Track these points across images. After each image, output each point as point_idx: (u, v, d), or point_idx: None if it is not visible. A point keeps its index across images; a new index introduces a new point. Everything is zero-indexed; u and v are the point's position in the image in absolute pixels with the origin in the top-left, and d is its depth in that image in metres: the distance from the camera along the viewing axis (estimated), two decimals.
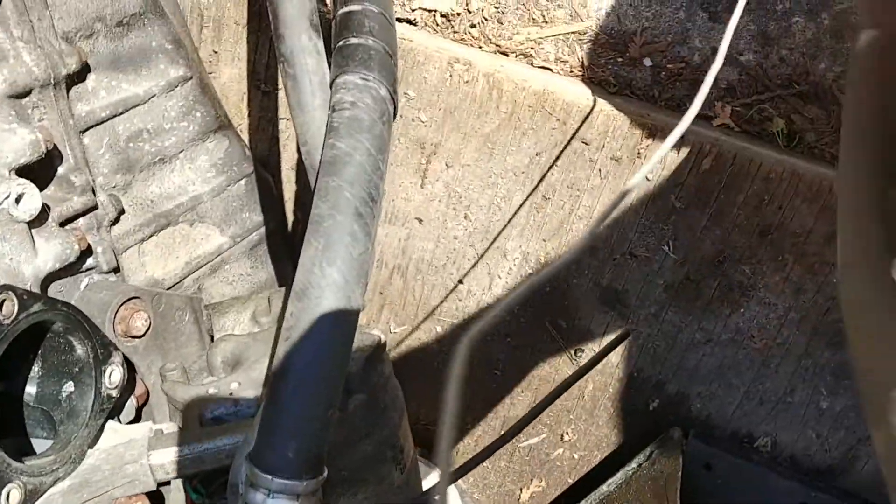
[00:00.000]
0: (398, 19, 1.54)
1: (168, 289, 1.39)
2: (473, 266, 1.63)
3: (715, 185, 1.43)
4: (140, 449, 1.03)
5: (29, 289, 1.01)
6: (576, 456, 1.77)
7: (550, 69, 1.51)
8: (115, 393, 1.06)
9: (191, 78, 1.37)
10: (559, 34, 1.49)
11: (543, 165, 1.49)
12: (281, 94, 1.59)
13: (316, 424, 0.80)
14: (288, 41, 0.98)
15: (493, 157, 1.51)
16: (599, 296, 1.59)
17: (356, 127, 0.89)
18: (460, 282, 1.66)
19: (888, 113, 0.81)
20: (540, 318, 1.65)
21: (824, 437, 1.58)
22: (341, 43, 1.00)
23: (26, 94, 1.12)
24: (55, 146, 1.17)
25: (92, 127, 1.24)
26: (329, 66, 1.00)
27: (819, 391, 1.55)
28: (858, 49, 0.94)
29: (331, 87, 0.98)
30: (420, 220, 1.61)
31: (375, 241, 0.90)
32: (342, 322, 0.80)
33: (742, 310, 1.52)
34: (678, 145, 1.42)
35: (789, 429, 1.60)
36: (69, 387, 1.05)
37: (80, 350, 1.03)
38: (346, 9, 1.02)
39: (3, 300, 0.91)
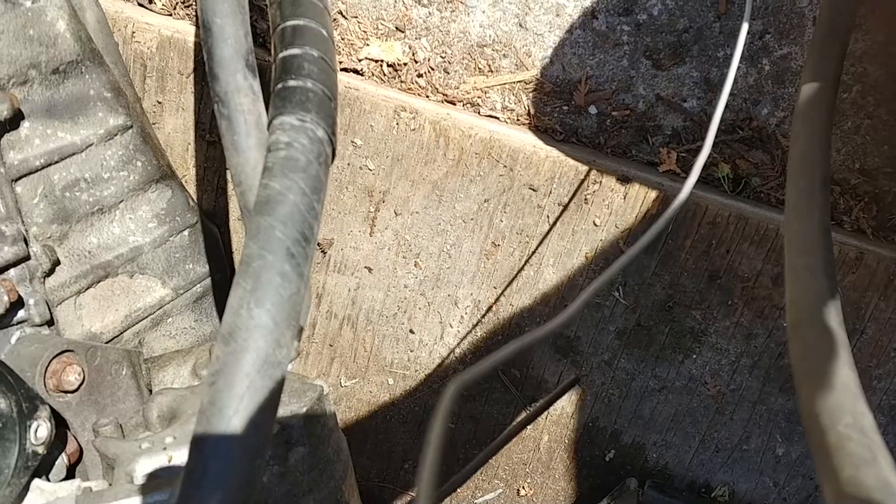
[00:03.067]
0: (345, 69, 1.54)
1: (107, 342, 1.35)
2: (425, 315, 1.61)
3: (662, 230, 1.42)
4: None
5: None
6: None
7: (497, 118, 1.51)
8: (41, 450, 1.01)
9: (131, 127, 1.34)
10: (505, 83, 1.49)
11: (492, 212, 1.48)
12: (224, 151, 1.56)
13: (241, 474, 0.76)
14: (223, 81, 0.96)
15: (442, 204, 1.50)
16: (552, 343, 1.57)
17: (291, 167, 0.87)
18: (412, 331, 1.63)
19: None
20: (492, 367, 1.62)
21: (781, 486, 1.56)
22: (279, 86, 0.99)
23: None
24: None
25: (25, 175, 1.21)
26: (267, 109, 0.99)
27: (774, 438, 1.54)
28: (802, 96, 0.95)
29: (268, 129, 0.96)
30: (369, 269, 1.59)
31: (309, 282, 0.87)
32: (271, 366, 0.77)
33: (694, 356, 1.51)
34: (624, 193, 1.41)
35: (746, 477, 1.58)
36: None
37: (3, 404, 0.98)
38: (285, 53, 1.00)
39: None
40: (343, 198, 1.54)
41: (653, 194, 1.41)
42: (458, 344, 1.62)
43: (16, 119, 1.19)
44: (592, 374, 1.58)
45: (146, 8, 1.56)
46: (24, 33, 1.19)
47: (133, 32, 1.50)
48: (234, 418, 0.74)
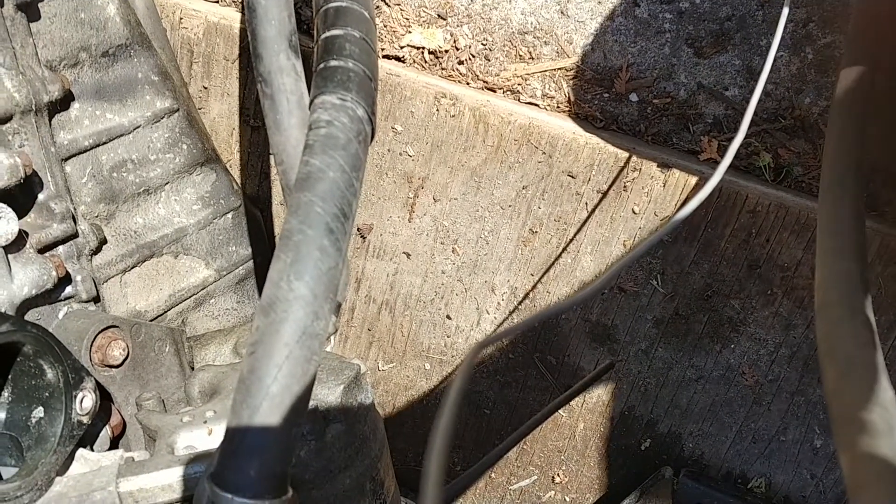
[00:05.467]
0: (387, 56, 1.55)
1: (151, 321, 1.38)
2: (462, 301, 1.62)
3: (701, 218, 1.42)
4: (109, 476, 1.00)
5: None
6: (567, 498, 1.73)
7: (537, 105, 1.51)
8: (85, 419, 1.04)
9: (177, 110, 1.37)
10: (546, 70, 1.50)
11: (530, 199, 1.49)
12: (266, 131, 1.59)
13: (279, 442, 0.77)
14: (266, 61, 0.98)
15: (480, 190, 1.51)
16: (589, 331, 1.57)
17: (331, 145, 0.89)
18: (448, 317, 1.64)
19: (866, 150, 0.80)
20: (529, 354, 1.63)
21: (819, 478, 1.55)
22: (321, 66, 1.00)
23: (6, 119, 1.12)
24: (35, 173, 1.16)
25: (74, 155, 1.24)
26: (309, 89, 1.00)
27: (812, 429, 1.52)
28: (840, 85, 0.94)
29: (309, 108, 0.97)
30: (408, 255, 1.60)
31: (347, 258, 0.89)
32: (309, 337, 0.79)
33: (732, 346, 1.50)
34: (664, 180, 1.41)
35: (783, 469, 1.56)
36: (39, 412, 1.03)
37: (50, 374, 1.01)
38: (327, 34, 1.02)
39: None
40: (383, 183, 1.55)
41: (693, 182, 1.40)
42: (495, 330, 1.63)
43: (66, 100, 1.22)
44: (629, 363, 1.58)
45: None
46: (76, 17, 1.22)
47: (181, 18, 1.53)
48: (272, 386, 0.76)
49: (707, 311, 1.49)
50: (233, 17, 1.54)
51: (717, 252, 1.44)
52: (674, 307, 1.50)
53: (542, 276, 1.55)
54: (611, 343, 1.57)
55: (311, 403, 1.12)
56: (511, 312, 1.60)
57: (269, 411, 0.76)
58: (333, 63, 0.97)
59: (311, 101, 0.96)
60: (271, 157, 1.64)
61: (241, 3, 1.57)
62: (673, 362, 1.55)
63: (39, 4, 1.17)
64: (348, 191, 0.86)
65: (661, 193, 1.43)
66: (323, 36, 1.02)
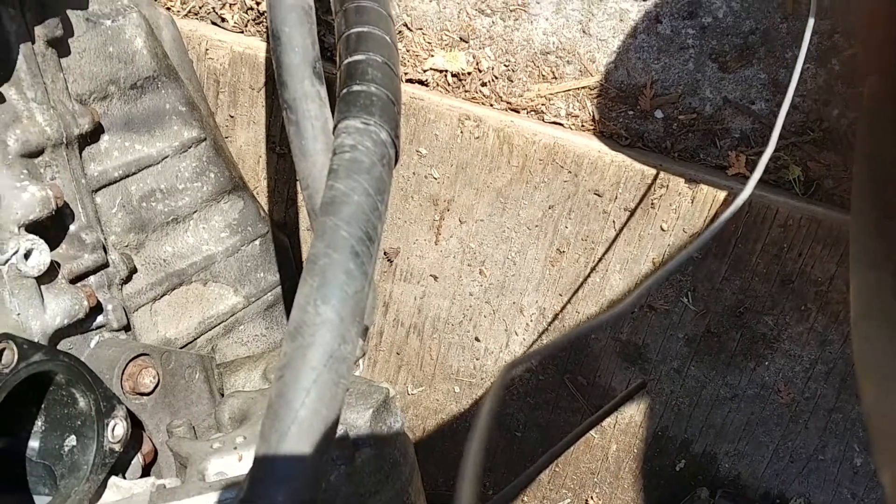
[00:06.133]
0: (410, 80, 1.56)
1: (181, 348, 1.39)
2: (490, 323, 1.61)
3: (731, 233, 1.41)
4: None
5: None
6: None
7: (561, 124, 1.51)
8: (117, 447, 1.05)
9: (204, 139, 1.38)
10: (569, 90, 1.50)
11: (557, 218, 1.48)
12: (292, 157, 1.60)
13: (308, 468, 0.77)
14: (290, 87, 0.99)
15: (506, 211, 1.50)
16: (619, 351, 1.56)
17: (355, 168, 0.89)
18: (477, 339, 1.63)
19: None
20: (559, 375, 1.62)
21: (860, 497, 1.51)
22: (344, 91, 1.01)
23: (39, 153, 1.14)
24: (66, 204, 1.18)
25: (104, 186, 1.26)
26: (333, 114, 1.01)
27: (852, 447, 1.49)
28: (865, 95, 0.93)
29: (333, 133, 0.98)
30: (435, 278, 1.60)
31: (374, 282, 0.89)
32: (337, 360, 0.78)
33: (767, 363, 1.48)
34: (692, 197, 1.40)
35: (823, 488, 1.53)
36: (71, 441, 1.03)
37: (82, 403, 1.02)
38: (350, 59, 1.03)
39: (3, 349, 0.91)
40: (409, 207, 1.56)
41: (721, 197, 1.39)
42: (525, 352, 1.62)
43: (96, 132, 1.24)
44: (661, 383, 1.56)
45: (219, 26, 1.61)
46: (105, 51, 1.24)
47: (206, 49, 1.55)
48: (300, 410, 0.76)
49: (740, 327, 1.47)
50: (258, 46, 1.56)
51: (748, 268, 1.42)
52: (705, 325, 1.49)
53: (571, 296, 1.54)
54: (642, 362, 1.56)
55: (341, 428, 1.12)
56: (540, 333, 1.59)
57: (297, 436, 0.76)
58: (356, 88, 0.97)
59: (335, 126, 0.96)
60: (298, 184, 1.66)
61: (266, 32, 1.59)
62: (706, 381, 1.53)
63: (69, 40, 1.19)
64: (373, 214, 0.86)
65: (689, 210, 1.42)
66: (345, 61, 1.03)
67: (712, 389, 1.53)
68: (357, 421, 1.09)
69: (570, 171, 1.44)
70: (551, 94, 1.50)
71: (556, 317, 1.57)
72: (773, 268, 1.41)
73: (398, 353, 1.70)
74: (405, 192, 1.55)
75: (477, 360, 1.65)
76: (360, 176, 0.87)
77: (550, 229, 1.50)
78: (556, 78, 1.49)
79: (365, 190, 0.86)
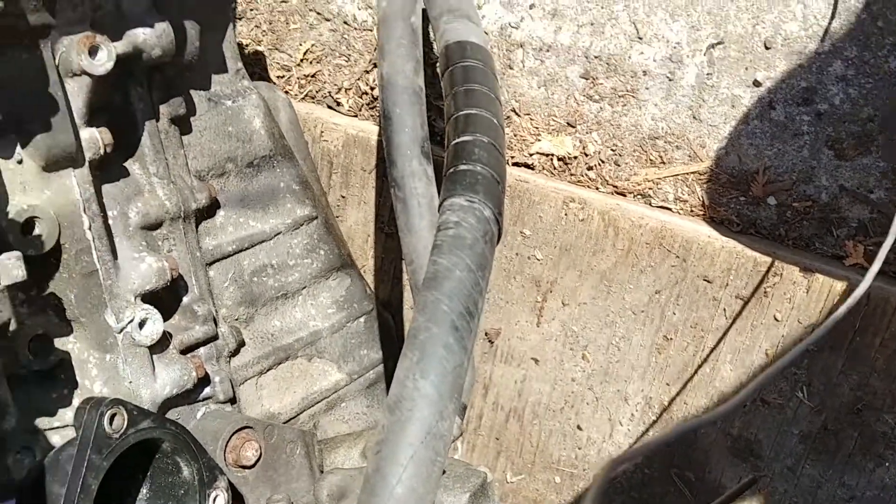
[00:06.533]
0: (516, 163, 1.58)
1: (284, 423, 1.40)
2: (593, 411, 1.57)
3: (849, 326, 1.34)
4: None
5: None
6: None
7: (669, 208, 1.49)
8: None
9: (316, 218, 1.42)
10: (678, 174, 1.48)
11: (664, 304, 1.45)
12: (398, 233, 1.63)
13: None
14: (399, 166, 1.01)
15: (611, 295, 1.48)
16: (730, 446, 1.49)
17: (458, 245, 0.90)
18: (579, 427, 1.59)
19: None
20: (665, 469, 1.55)
21: None
22: (451, 170, 1.03)
23: (157, 225, 1.20)
24: (181, 276, 1.23)
25: (218, 260, 1.30)
26: (439, 192, 1.03)
27: None
28: None
29: (438, 210, 0.99)
30: (536, 361, 1.58)
31: (473, 359, 0.88)
32: (434, 437, 0.78)
33: (887, 464, 1.39)
34: (807, 286, 1.35)
35: None
36: None
37: (186, 472, 1.04)
38: (458, 140, 1.05)
39: (114, 414, 0.94)
40: (511, 287, 1.55)
41: (839, 287, 1.33)
42: (629, 443, 1.57)
43: (213, 207, 1.29)
44: (774, 481, 1.48)
45: (335, 109, 1.67)
46: (224, 130, 1.30)
47: (322, 132, 1.60)
48: (397, 487, 0.75)
49: (858, 425, 1.39)
50: (370, 130, 1.61)
51: (867, 362, 1.35)
52: (822, 421, 1.41)
53: (679, 386, 1.49)
54: (754, 459, 1.48)
55: None
56: (646, 424, 1.54)
57: None
58: (462, 167, 0.99)
59: (441, 204, 0.98)
60: (403, 263, 1.68)
61: (379, 115, 1.64)
62: (822, 481, 1.44)
63: (191, 118, 1.26)
64: (474, 289, 0.86)
65: (804, 300, 1.36)
66: (454, 142, 1.05)
67: (828, 490, 1.44)
68: None
69: (678, 256, 1.41)
70: (659, 178, 1.49)
71: (662, 407, 1.52)
72: (893, 364, 1.33)
73: (497, 439, 1.67)
74: (508, 272, 1.55)
75: (579, 449, 1.61)
76: (462, 252, 0.88)
77: (657, 315, 1.46)
78: (664, 163, 1.48)
79: (467, 265, 0.87)
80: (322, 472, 1.31)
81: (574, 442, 1.61)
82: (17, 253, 0.97)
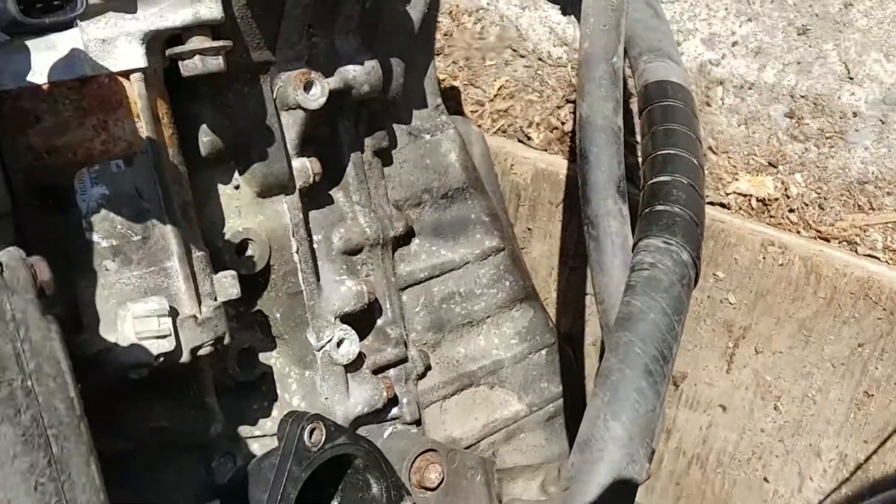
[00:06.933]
0: (711, 203, 1.54)
1: (465, 449, 1.43)
2: (782, 464, 1.50)
3: None
4: None
5: None
6: None
7: (877, 257, 1.41)
8: None
9: (503, 249, 1.45)
10: (888, 222, 1.40)
11: (866, 358, 1.37)
12: (588, 271, 1.63)
13: None
14: (594, 205, 1.01)
15: (809, 345, 1.41)
16: None
17: (653, 286, 0.89)
18: (766, 480, 1.52)
19: None
20: None
21: None
22: (647, 210, 1.02)
23: (357, 251, 1.26)
24: (377, 300, 1.28)
25: (411, 286, 1.35)
26: (633, 232, 1.02)
27: None
28: None
29: (633, 250, 0.99)
30: (723, 408, 1.53)
31: (664, 404, 0.87)
32: (623, 479, 0.78)
33: None
34: None
35: None
36: None
37: (375, 489, 1.08)
38: (655, 180, 1.04)
39: (314, 428, 0.99)
40: (700, 331, 1.51)
41: None
42: (818, 500, 1.49)
43: (408, 236, 1.34)
44: None
45: (525, 143, 1.70)
46: (422, 162, 1.35)
47: (511, 165, 1.63)
48: None
49: None
50: (559, 164, 1.62)
51: None
52: None
53: (878, 445, 1.40)
54: None
55: None
56: (838, 481, 1.45)
57: None
58: (659, 207, 0.98)
59: (635, 244, 0.97)
60: (586, 298, 1.67)
61: (569, 151, 1.65)
62: None
63: (393, 151, 1.31)
64: (669, 334, 0.85)
65: None
66: (650, 181, 1.04)
67: None
68: None
69: (884, 309, 1.33)
70: (867, 225, 1.41)
71: (858, 466, 1.43)
72: None
73: (678, 484, 1.63)
74: (697, 315, 1.51)
75: (764, 501, 1.54)
76: (657, 294, 0.87)
77: (858, 369, 1.38)
78: (873, 209, 1.40)
79: (662, 309, 0.86)
80: (499, 501, 1.32)
81: (759, 495, 1.54)
82: (232, 272, 1.05)
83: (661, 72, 1.10)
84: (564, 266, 1.65)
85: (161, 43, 0.92)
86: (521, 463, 1.53)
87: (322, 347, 1.19)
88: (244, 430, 1.17)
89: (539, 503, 1.21)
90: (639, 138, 1.38)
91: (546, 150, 1.69)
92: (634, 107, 1.46)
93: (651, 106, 1.06)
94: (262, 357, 1.18)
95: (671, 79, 1.08)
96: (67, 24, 0.73)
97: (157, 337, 0.92)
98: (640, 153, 1.43)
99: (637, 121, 1.38)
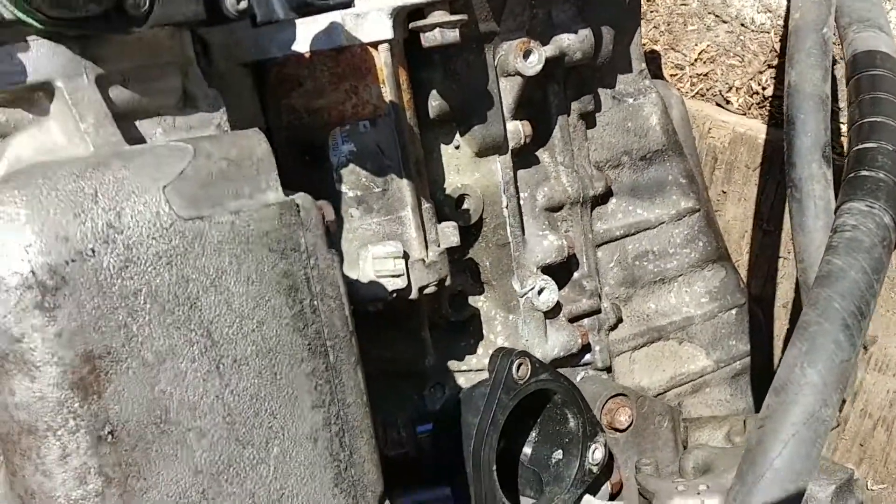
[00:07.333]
0: None
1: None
2: None
3: None
4: None
5: None
6: None
7: None
8: (595, 469, 1.20)
9: (698, 210, 1.50)
10: None
11: None
12: (783, 234, 1.65)
13: None
14: (798, 168, 1.06)
15: None
16: None
17: (854, 247, 0.94)
18: None
19: None
20: None
21: None
22: (851, 175, 1.06)
23: (559, 208, 1.35)
24: (574, 255, 1.37)
25: (606, 243, 1.43)
26: (835, 196, 1.06)
27: None
28: None
29: (835, 214, 1.04)
30: None
31: (858, 357, 0.92)
32: (816, 421, 0.84)
33: None
34: None
35: None
36: (558, 455, 1.20)
37: (572, 423, 1.19)
38: (860, 146, 1.08)
39: (521, 363, 1.11)
40: (893, 296, 1.51)
41: None
42: None
43: (606, 195, 1.42)
44: None
45: (723, 108, 1.73)
46: (624, 125, 1.42)
47: (709, 129, 1.67)
48: (776, 460, 0.83)
49: None
50: (758, 128, 1.65)
51: None
52: None
53: None
54: None
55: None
56: None
57: (771, 482, 0.83)
58: (864, 173, 1.02)
59: (838, 207, 1.02)
60: (779, 261, 1.70)
61: (769, 115, 1.67)
62: None
63: (597, 114, 1.39)
64: (868, 292, 0.90)
65: None
66: (856, 148, 1.08)
67: None
68: (818, 494, 1.10)
69: None
70: None
71: None
72: None
73: (861, 445, 1.64)
74: (891, 280, 1.51)
75: None
76: (858, 254, 0.92)
77: None
78: None
79: (862, 268, 0.91)
80: (685, 447, 1.40)
81: None
82: (453, 223, 1.18)
83: (870, 41, 1.12)
84: (758, 229, 1.68)
85: (404, 17, 1.04)
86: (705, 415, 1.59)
87: (525, 294, 1.30)
88: (453, 364, 1.30)
89: (725, 449, 1.28)
90: (841, 105, 1.40)
91: (745, 115, 1.71)
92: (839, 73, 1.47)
93: (859, 74, 1.09)
94: (471, 300, 1.30)
95: (880, 48, 1.10)
96: (346, 4, 0.86)
97: (392, 276, 1.06)
98: (842, 120, 1.44)
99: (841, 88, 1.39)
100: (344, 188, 1.07)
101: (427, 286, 1.10)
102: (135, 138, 0.72)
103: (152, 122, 0.74)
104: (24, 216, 0.59)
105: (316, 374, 0.75)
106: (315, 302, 0.74)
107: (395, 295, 1.07)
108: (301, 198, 0.74)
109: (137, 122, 0.74)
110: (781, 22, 1.62)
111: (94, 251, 0.60)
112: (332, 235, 0.76)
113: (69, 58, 0.67)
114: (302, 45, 1.01)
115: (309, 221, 0.73)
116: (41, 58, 0.66)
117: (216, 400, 0.67)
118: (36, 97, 0.68)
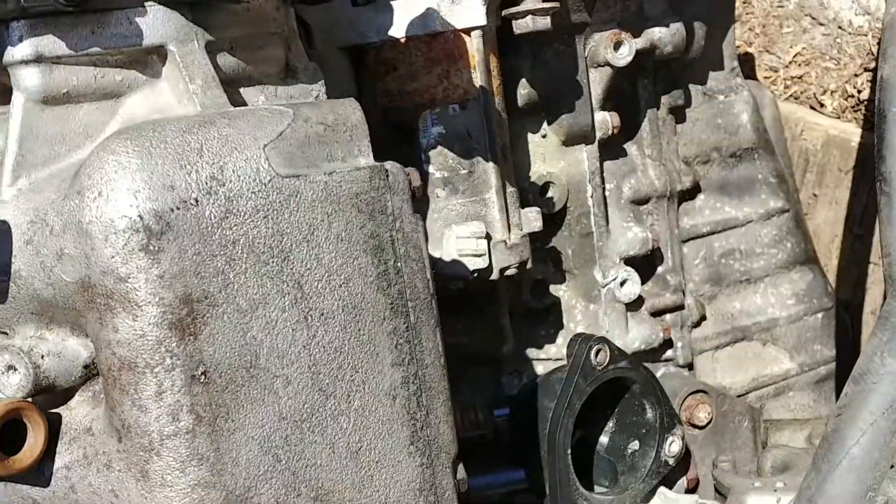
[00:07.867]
0: None
1: None
2: None
3: None
4: None
5: None
6: None
7: None
8: (671, 462, 1.19)
9: (787, 211, 1.48)
10: None
11: None
12: (874, 239, 1.61)
13: (851, 501, 0.83)
14: (889, 162, 1.04)
15: None
16: None
17: None
18: None
19: None
20: None
21: None
22: None
23: (645, 201, 1.36)
24: (659, 248, 1.37)
25: (692, 239, 1.43)
26: None
27: None
28: None
29: None
30: None
31: None
32: (894, 410, 0.83)
33: None
34: None
35: None
36: (634, 445, 1.21)
37: (650, 414, 1.19)
38: None
39: (599, 349, 1.12)
40: None
41: None
42: None
43: (693, 191, 1.42)
44: None
45: (817, 111, 1.70)
46: (714, 122, 1.42)
47: (801, 131, 1.65)
48: (853, 448, 0.83)
49: None
50: (852, 131, 1.62)
51: None
52: None
53: None
54: None
55: (881, 499, 1.12)
56: None
57: (847, 470, 0.83)
58: None
59: None
60: (869, 266, 1.66)
61: (864, 119, 1.64)
62: None
63: (686, 109, 1.40)
64: None
65: None
66: None
67: None
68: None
69: None
70: None
71: None
72: None
73: None
74: None
75: None
76: None
77: None
78: None
79: None
80: (764, 447, 1.38)
81: None
82: (537, 209, 1.20)
83: None
84: (849, 233, 1.65)
85: (497, 4, 1.07)
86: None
87: (607, 285, 1.31)
88: (531, 352, 1.31)
89: (805, 450, 1.26)
90: None
91: (839, 118, 1.68)
92: None
93: None
94: (552, 289, 1.32)
95: None
96: None
97: (475, 255, 1.09)
98: None
99: None
100: (431, 169, 1.10)
101: (508, 267, 1.12)
102: (239, 104, 0.77)
103: (256, 90, 0.79)
104: (135, 164, 0.64)
105: (397, 332, 0.78)
106: (399, 263, 0.77)
107: (476, 274, 1.10)
108: (390, 164, 0.77)
109: (242, 90, 0.78)
110: (880, 24, 1.59)
111: (197, 201, 0.65)
112: (419, 201, 0.80)
113: (182, 24, 0.72)
114: (398, 29, 1.05)
115: (396, 186, 0.76)
116: (156, 23, 0.71)
117: (303, 350, 0.70)
118: (150, 60, 0.73)
